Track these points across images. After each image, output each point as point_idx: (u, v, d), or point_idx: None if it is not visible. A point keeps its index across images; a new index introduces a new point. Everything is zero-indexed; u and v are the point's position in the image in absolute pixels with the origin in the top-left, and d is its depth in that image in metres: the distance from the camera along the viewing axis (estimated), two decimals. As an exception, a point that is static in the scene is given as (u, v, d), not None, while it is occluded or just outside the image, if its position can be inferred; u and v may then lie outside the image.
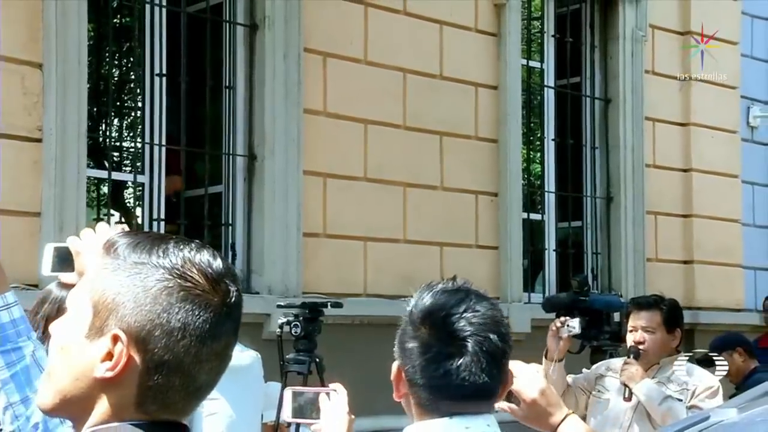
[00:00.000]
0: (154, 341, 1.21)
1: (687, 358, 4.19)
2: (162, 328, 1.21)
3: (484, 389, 1.71)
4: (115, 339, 1.21)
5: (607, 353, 4.96)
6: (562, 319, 4.24)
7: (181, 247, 1.25)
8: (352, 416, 1.83)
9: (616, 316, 5.26)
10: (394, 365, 1.76)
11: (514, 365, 2.14)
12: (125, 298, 1.22)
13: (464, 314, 1.71)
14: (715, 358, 5.74)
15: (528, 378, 2.12)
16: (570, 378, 4.28)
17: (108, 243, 1.27)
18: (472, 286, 1.80)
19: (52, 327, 1.29)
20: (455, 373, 1.68)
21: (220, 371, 1.27)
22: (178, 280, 1.22)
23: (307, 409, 1.74)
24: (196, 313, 1.22)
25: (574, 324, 4.19)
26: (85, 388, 1.22)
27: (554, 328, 4.21)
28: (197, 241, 1.28)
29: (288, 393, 1.77)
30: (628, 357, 4.11)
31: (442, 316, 1.71)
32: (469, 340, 1.69)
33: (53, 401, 1.25)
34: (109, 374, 1.20)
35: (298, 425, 4.05)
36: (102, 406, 1.22)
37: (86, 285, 1.26)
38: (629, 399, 4.03)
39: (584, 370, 4.40)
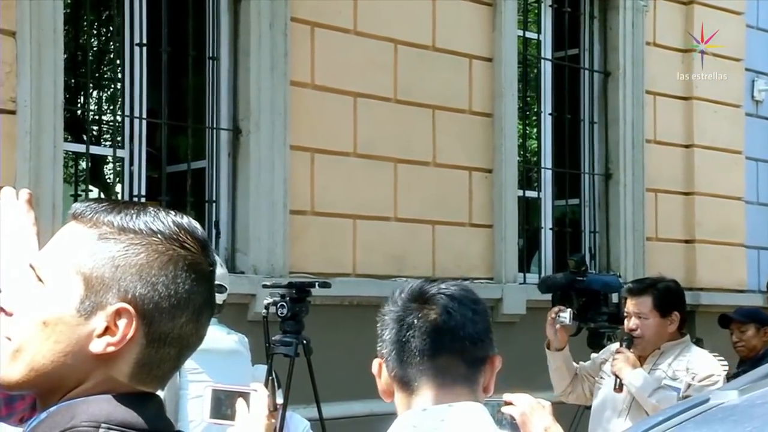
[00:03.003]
0: (160, 314, 1.19)
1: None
2: (170, 300, 1.19)
3: (460, 340, 1.66)
4: (119, 313, 1.17)
5: (605, 336, 4.97)
6: (556, 309, 4.28)
7: (166, 212, 1.23)
8: (273, 420, 1.82)
9: (615, 297, 5.24)
10: (375, 362, 1.71)
11: (522, 398, 2.24)
12: (126, 270, 1.18)
13: (428, 284, 1.74)
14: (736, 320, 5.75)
15: (533, 413, 2.19)
16: (576, 366, 4.35)
17: (78, 211, 1.22)
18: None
19: (5, 298, 1.22)
20: (417, 326, 1.65)
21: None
22: (179, 249, 1.20)
23: (225, 409, 1.69)
24: (199, 282, 1.21)
25: (565, 315, 4.23)
26: (74, 363, 1.18)
27: (551, 317, 4.26)
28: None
29: (208, 391, 1.72)
30: (621, 345, 4.09)
31: (407, 287, 1.74)
32: (435, 296, 1.69)
33: (24, 377, 1.19)
34: (111, 349, 1.17)
35: (283, 415, 4.02)
36: (92, 380, 1.19)
37: (60, 254, 1.20)
38: (620, 390, 4.01)
39: (593, 355, 4.44)
